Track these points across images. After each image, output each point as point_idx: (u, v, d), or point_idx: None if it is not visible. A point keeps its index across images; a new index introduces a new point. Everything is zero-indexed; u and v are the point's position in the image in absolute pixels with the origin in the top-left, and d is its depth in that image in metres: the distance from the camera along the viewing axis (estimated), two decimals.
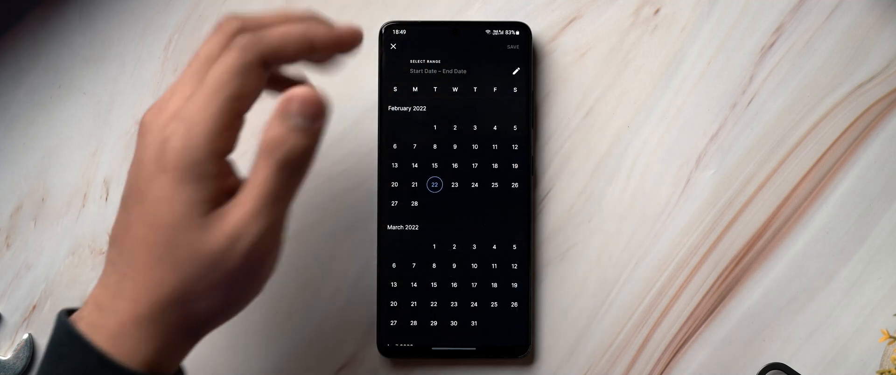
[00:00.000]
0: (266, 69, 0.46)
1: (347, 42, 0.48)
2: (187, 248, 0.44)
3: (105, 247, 0.60)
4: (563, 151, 0.60)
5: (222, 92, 0.45)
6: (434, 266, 0.58)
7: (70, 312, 0.47)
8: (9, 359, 0.59)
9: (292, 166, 0.45)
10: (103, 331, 0.45)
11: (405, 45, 0.59)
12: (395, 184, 0.58)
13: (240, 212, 0.45)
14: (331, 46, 0.48)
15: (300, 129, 0.45)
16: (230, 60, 0.45)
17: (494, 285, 0.58)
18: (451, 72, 0.58)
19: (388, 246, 0.58)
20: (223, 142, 0.45)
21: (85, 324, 0.45)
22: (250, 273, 0.46)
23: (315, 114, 0.45)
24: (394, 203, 0.58)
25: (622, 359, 0.59)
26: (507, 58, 0.59)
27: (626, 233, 0.60)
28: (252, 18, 0.47)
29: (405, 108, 0.58)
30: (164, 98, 0.46)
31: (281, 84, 0.51)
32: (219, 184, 0.45)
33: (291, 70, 0.51)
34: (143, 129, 0.46)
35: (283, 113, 0.45)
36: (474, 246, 0.58)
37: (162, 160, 0.44)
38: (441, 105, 0.58)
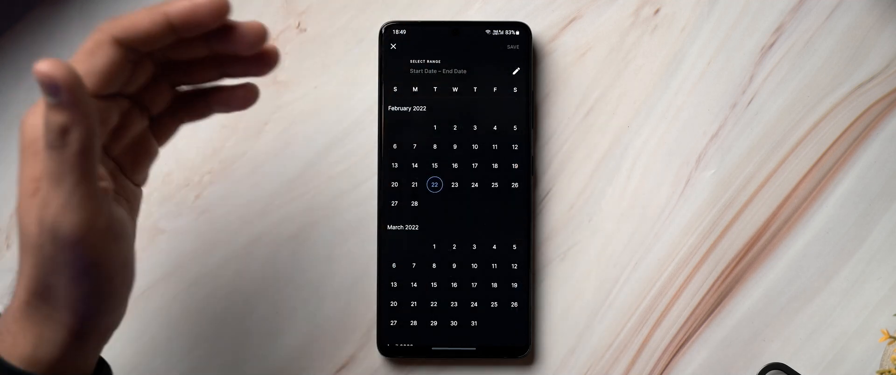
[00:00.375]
0: (120, 47, 0.45)
1: (206, 8, 0.46)
2: (23, 231, 0.45)
3: None
4: (563, 151, 0.60)
5: (92, 80, 0.45)
6: (434, 266, 0.58)
7: None
8: None
9: (56, 143, 0.42)
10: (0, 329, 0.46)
11: (405, 45, 0.59)
12: (395, 184, 0.58)
13: (39, 196, 0.44)
14: (187, 14, 0.45)
15: (51, 106, 0.42)
16: (85, 43, 0.45)
17: (494, 285, 0.58)
18: (451, 72, 0.58)
19: (388, 246, 0.58)
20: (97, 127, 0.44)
21: None
22: (75, 258, 0.44)
23: (52, 88, 0.42)
24: (394, 203, 0.58)
25: (622, 359, 0.59)
26: (507, 58, 0.59)
27: (626, 233, 0.60)
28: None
29: (405, 108, 0.58)
30: None
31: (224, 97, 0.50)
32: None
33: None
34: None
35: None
36: (474, 246, 0.58)
37: (19, 141, 0.45)
38: (441, 105, 0.58)
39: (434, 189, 0.58)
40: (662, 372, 0.59)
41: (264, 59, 0.48)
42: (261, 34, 0.47)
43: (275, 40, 0.60)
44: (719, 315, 0.59)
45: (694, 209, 0.60)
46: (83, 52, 0.45)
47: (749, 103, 0.60)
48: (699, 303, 0.59)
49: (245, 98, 0.50)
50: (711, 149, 0.60)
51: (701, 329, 0.59)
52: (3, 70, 0.60)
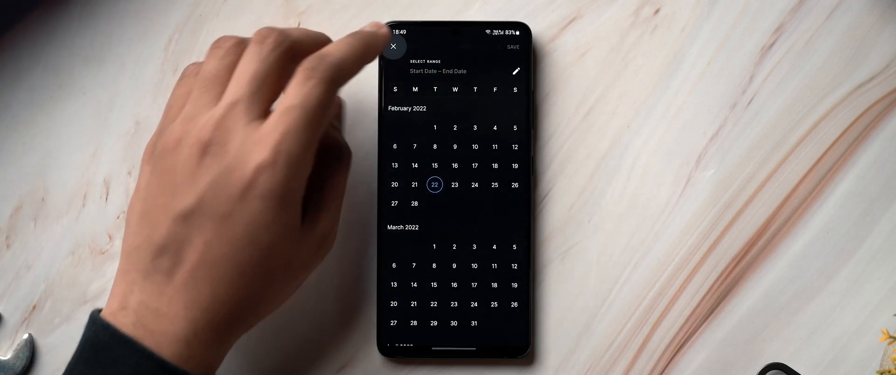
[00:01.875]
0: (338, 86, 0.48)
1: (384, 40, 0.51)
2: (281, 260, 0.47)
3: (105, 247, 0.60)
4: (563, 151, 0.60)
5: (315, 124, 0.46)
6: (434, 266, 0.58)
7: (98, 311, 0.48)
8: (9, 359, 0.59)
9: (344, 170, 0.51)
10: (167, 338, 0.46)
11: (405, 44, 0.59)
12: (395, 184, 0.58)
13: (327, 219, 0.50)
14: (377, 51, 0.50)
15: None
16: (318, 92, 0.47)
17: (494, 285, 0.58)
18: (451, 72, 0.58)
19: (388, 246, 0.58)
20: (311, 159, 0.47)
21: (133, 329, 0.46)
22: (314, 267, 0.51)
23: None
24: (394, 203, 0.58)
25: (622, 359, 0.59)
26: (507, 58, 0.59)
27: (626, 233, 0.60)
28: (291, 34, 0.49)
29: (405, 108, 0.58)
30: (217, 112, 0.47)
31: None
32: (302, 199, 0.48)
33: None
34: (207, 147, 0.46)
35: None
36: (474, 246, 0.58)
37: (256, 187, 0.45)
38: (441, 105, 0.58)
39: (434, 189, 0.58)
40: (662, 372, 0.59)
41: (386, 40, 0.53)
42: (388, 33, 0.52)
43: None
44: (719, 315, 0.59)
45: (694, 209, 0.60)
46: (318, 102, 0.47)
47: (749, 103, 0.60)
48: (699, 303, 0.59)
49: None
50: (711, 149, 0.60)
51: (701, 329, 0.59)
52: (3, 70, 0.60)
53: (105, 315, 0.47)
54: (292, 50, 0.48)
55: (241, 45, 0.48)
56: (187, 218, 0.46)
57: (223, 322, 0.47)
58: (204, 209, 0.46)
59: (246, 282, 0.46)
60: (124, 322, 0.46)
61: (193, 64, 0.52)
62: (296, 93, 0.46)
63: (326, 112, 0.47)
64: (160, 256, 0.46)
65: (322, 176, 0.50)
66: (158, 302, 0.46)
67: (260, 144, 0.45)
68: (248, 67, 0.46)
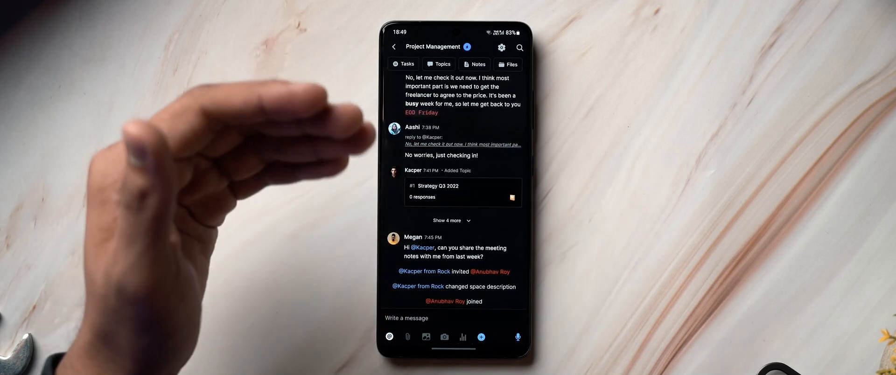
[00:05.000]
0: (206, 117, 0.44)
1: (302, 98, 0.44)
2: (89, 278, 0.45)
3: None
4: (563, 151, 0.60)
5: (177, 144, 0.44)
6: (434, 266, 0.58)
7: (58, 357, 0.49)
8: (9, 359, 0.59)
9: (133, 205, 0.42)
10: (65, 363, 0.47)
11: (405, 44, 0.59)
12: (395, 185, 0.58)
13: (109, 249, 0.44)
14: (282, 102, 0.44)
15: (135, 167, 0.42)
16: (173, 104, 0.45)
17: (494, 285, 0.58)
18: (451, 72, 0.58)
19: (387, 246, 0.58)
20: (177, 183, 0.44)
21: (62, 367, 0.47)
22: (139, 314, 0.44)
23: (139, 151, 0.41)
24: (394, 203, 0.58)
25: (622, 359, 0.59)
26: (507, 58, 0.59)
27: (626, 233, 0.60)
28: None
29: (405, 108, 0.58)
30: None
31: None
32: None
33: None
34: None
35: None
36: (474, 247, 0.58)
37: (87, 185, 0.45)
38: (441, 105, 0.58)
39: (434, 189, 0.58)
40: (662, 372, 0.59)
41: (359, 140, 0.46)
42: (356, 118, 0.45)
43: (275, 40, 0.60)
44: (719, 315, 0.59)
45: (694, 209, 0.60)
46: (168, 112, 0.44)
47: (749, 103, 0.60)
48: (699, 303, 0.59)
49: (335, 168, 0.48)
50: (711, 149, 0.60)
51: (701, 329, 0.59)
52: (3, 70, 0.60)
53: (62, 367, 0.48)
54: (201, 105, 0.45)
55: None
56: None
57: (87, 343, 0.46)
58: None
59: (87, 302, 0.46)
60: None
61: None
62: (168, 108, 0.45)
63: (172, 125, 0.44)
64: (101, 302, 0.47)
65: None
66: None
67: (109, 152, 0.45)
68: (164, 110, 0.46)
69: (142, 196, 0.42)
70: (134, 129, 0.41)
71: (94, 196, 0.44)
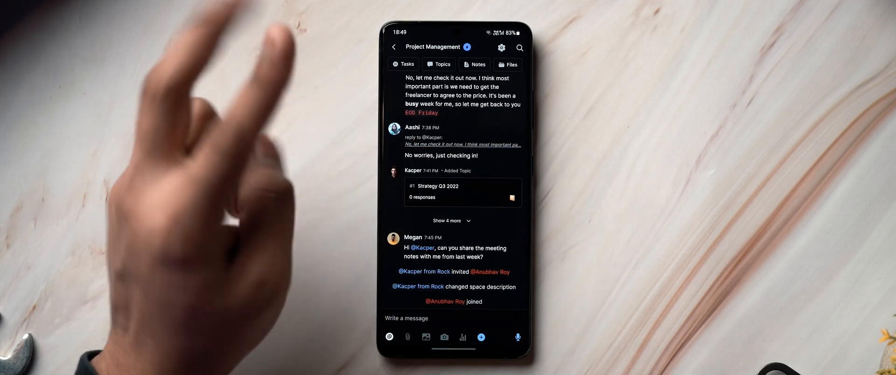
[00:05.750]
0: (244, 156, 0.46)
1: (285, 50, 0.45)
2: (214, 315, 0.46)
3: (105, 247, 0.60)
4: (563, 151, 0.60)
5: (215, 196, 0.45)
6: (434, 266, 0.58)
7: (92, 354, 0.49)
8: (9, 359, 0.59)
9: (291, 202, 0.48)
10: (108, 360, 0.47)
11: (405, 44, 0.59)
12: (395, 185, 0.58)
13: (262, 265, 0.47)
14: (283, 85, 0.45)
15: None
16: (219, 167, 0.45)
17: (494, 285, 0.58)
18: (451, 72, 0.58)
19: (387, 246, 0.58)
20: (216, 222, 0.45)
21: None
22: (271, 310, 0.48)
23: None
24: (394, 203, 0.58)
25: (622, 359, 0.59)
26: (507, 58, 0.59)
27: (626, 233, 0.60)
28: (166, 72, 0.46)
29: (405, 108, 0.58)
30: (128, 173, 0.46)
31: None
32: (222, 253, 0.46)
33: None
34: (121, 212, 0.46)
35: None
36: (474, 247, 0.58)
37: (159, 256, 0.44)
38: (441, 105, 0.58)
39: (434, 189, 0.58)
40: (662, 372, 0.59)
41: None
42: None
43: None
44: (719, 315, 0.59)
45: (694, 209, 0.60)
46: (212, 166, 0.45)
47: (749, 103, 0.60)
48: (699, 303, 0.59)
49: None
50: (711, 149, 0.60)
51: (701, 329, 0.59)
52: (3, 70, 0.60)
53: (95, 361, 0.48)
54: (177, 88, 0.45)
55: (175, 92, 0.47)
56: (122, 278, 0.46)
57: (173, 371, 0.46)
58: (129, 272, 0.46)
59: (183, 340, 0.46)
60: (101, 368, 0.47)
61: (151, 75, 0.48)
62: (198, 166, 0.45)
63: (229, 180, 0.45)
64: (116, 312, 0.47)
65: (258, 219, 0.48)
66: (120, 354, 0.47)
67: (160, 212, 0.44)
68: (142, 123, 0.46)
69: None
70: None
71: (193, 261, 0.45)
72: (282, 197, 0.48)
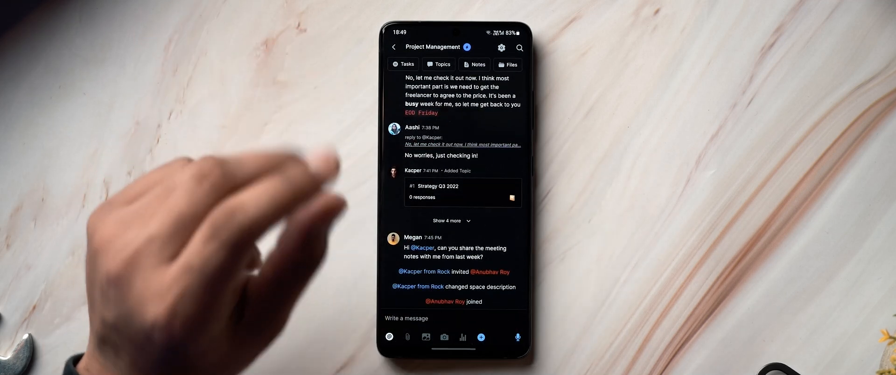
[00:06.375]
0: (247, 248, 0.44)
1: (327, 177, 0.44)
2: (213, 367, 0.45)
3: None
4: (563, 151, 0.60)
5: (215, 287, 0.43)
6: (434, 266, 0.58)
7: (77, 358, 0.48)
8: (9, 359, 0.59)
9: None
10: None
11: (405, 44, 0.59)
12: (395, 185, 0.58)
13: (271, 324, 0.46)
14: (311, 192, 0.44)
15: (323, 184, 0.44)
16: (218, 257, 0.43)
17: (494, 285, 0.58)
18: (450, 72, 0.58)
19: (387, 246, 0.58)
20: (217, 308, 0.44)
21: None
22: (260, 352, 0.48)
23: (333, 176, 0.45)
24: (394, 203, 0.58)
25: (622, 359, 0.59)
26: (507, 58, 0.59)
27: (626, 233, 0.60)
28: (230, 165, 0.44)
29: (405, 108, 0.58)
30: (126, 210, 0.44)
31: None
32: (227, 319, 0.45)
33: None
34: (101, 245, 0.44)
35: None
36: (474, 247, 0.58)
37: (155, 342, 0.43)
38: (441, 105, 0.58)
39: (434, 189, 0.58)
40: (662, 372, 0.59)
41: (330, 176, 0.46)
42: (336, 167, 0.45)
43: (275, 40, 0.60)
44: (719, 315, 0.59)
45: (694, 209, 0.60)
46: (212, 266, 0.43)
47: (749, 103, 0.60)
48: (699, 303, 0.59)
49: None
50: (711, 149, 0.60)
51: (701, 329, 0.59)
52: (3, 70, 0.60)
53: (79, 368, 0.47)
54: (231, 188, 0.44)
55: (218, 188, 0.44)
56: (111, 328, 0.45)
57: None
58: (120, 333, 0.44)
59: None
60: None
61: (185, 159, 0.46)
62: (196, 253, 0.42)
63: (231, 274, 0.43)
64: (104, 344, 0.46)
65: (281, 276, 0.46)
66: (96, 367, 0.46)
67: (158, 299, 0.43)
68: (176, 204, 0.43)
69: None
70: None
71: (199, 357, 0.44)
72: (308, 267, 0.46)
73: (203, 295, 0.43)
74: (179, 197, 0.43)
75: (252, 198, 0.43)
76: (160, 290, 0.43)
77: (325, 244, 0.46)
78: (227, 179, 0.43)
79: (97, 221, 0.44)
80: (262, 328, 0.47)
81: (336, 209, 0.45)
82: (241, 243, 0.43)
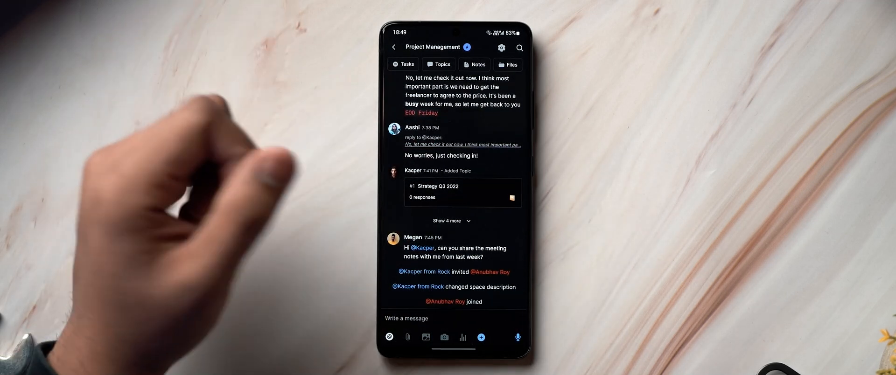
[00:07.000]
0: (209, 140, 0.47)
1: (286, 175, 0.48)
2: (134, 295, 0.45)
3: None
4: (563, 151, 0.60)
5: (162, 153, 0.45)
6: (434, 266, 0.58)
7: (50, 345, 0.49)
8: (9, 359, 0.59)
9: (255, 226, 0.46)
10: (66, 367, 0.47)
11: (405, 44, 0.59)
12: (394, 184, 0.58)
13: (193, 265, 0.45)
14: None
15: (270, 189, 0.46)
16: (178, 121, 0.46)
17: (494, 285, 0.58)
18: (450, 72, 0.58)
19: (387, 246, 0.58)
20: (157, 199, 0.45)
21: (55, 359, 0.47)
22: (198, 321, 0.47)
23: (286, 175, 0.47)
24: (394, 203, 0.58)
25: (622, 359, 0.59)
26: (507, 58, 0.59)
27: (626, 233, 0.60)
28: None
29: (405, 108, 0.58)
30: (115, 143, 0.47)
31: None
32: (154, 233, 0.46)
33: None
34: (85, 171, 0.46)
35: (255, 172, 0.46)
36: (474, 247, 0.58)
37: (96, 211, 0.45)
38: (441, 106, 0.58)
39: (434, 189, 0.58)
40: (662, 372, 0.59)
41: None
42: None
43: (275, 40, 0.60)
44: (719, 315, 0.59)
45: (694, 209, 0.60)
46: (174, 131, 0.46)
47: (749, 103, 0.60)
48: (699, 303, 0.59)
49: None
50: (711, 149, 0.60)
51: (701, 329, 0.59)
52: (3, 70, 0.60)
53: (53, 358, 0.48)
54: (263, 224, 0.47)
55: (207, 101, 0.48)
56: (77, 240, 0.47)
57: (102, 352, 0.46)
58: (77, 231, 0.46)
59: (110, 313, 0.45)
60: (53, 352, 0.48)
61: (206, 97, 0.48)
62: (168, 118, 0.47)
63: (183, 148, 0.46)
64: (73, 281, 0.48)
65: (212, 232, 0.46)
66: (68, 329, 0.48)
67: (111, 172, 0.45)
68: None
69: (268, 218, 0.46)
70: (285, 155, 0.47)
71: (119, 225, 0.45)
72: (250, 228, 0.46)
73: (149, 162, 0.45)
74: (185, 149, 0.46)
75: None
76: (115, 163, 0.45)
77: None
78: (214, 101, 0.47)
79: (90, 157, 0.46)
80: (180, 270, 0.47)
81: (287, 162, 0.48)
82: (209, 123, 0.46)
